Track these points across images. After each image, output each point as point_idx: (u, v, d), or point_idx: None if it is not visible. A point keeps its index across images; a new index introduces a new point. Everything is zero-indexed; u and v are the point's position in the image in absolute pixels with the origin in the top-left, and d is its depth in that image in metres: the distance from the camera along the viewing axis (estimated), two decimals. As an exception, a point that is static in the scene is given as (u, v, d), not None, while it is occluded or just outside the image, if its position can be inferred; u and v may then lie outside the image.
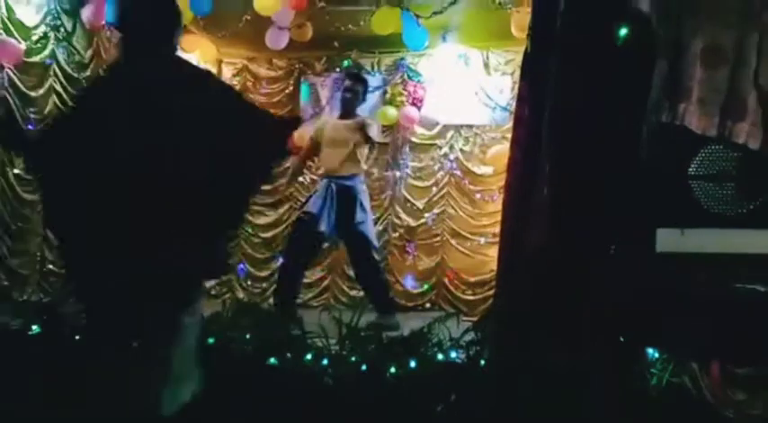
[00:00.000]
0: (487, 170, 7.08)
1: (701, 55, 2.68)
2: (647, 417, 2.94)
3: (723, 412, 3.05)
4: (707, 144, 2.64)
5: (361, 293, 7.26)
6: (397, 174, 7.41)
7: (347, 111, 5.62)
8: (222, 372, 2.96)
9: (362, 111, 7.46)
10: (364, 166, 5.78)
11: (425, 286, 7.25)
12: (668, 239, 2.49)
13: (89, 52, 6.86)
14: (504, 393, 3.14)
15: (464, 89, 7.06)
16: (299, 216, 5.52)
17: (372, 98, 7.46)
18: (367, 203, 5.47)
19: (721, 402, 3.07)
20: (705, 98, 2.68)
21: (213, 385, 3.07)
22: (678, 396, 3.12)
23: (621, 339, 2.98)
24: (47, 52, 6.66)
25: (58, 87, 6.74)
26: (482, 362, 3.42)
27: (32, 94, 6.60)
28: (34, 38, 6.59)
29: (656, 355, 3.23)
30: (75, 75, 6.79)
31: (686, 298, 2.51)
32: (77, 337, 3.95)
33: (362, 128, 5.37)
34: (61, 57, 6.73)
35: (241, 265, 7.65)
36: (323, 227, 5.21)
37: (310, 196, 5.61)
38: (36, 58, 6.62)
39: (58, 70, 6.73)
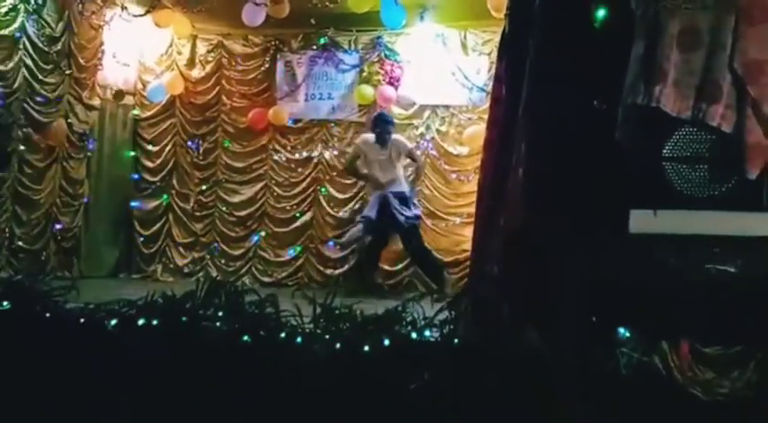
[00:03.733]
0: (463, 150, 7.08)
1: (678, 37, 2.69)
2: (617, 395, 2.98)
3: (691, 391, 3.10)
4: (681, 126, 2.66)
5: (336, 272, 7.31)
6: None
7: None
8: (196, 350, 2.94)
9: (338, 89, 7.47)
10: None
11: (399, 265, 7.26)
12: (641, 220, 2.51)
13: (60, 25, 6.73)
14: (475, 372, 3.16)
15: (441, 69, 7.03)
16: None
17: (349, 76, 7.42)
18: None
19: (690, 381, 3.12)
20: (680, 80, 2.69)
21: (187, 364, 3.06)
22: (648, 375, 3.16)
23: (593, 319, 3.01)
24: (16, 25, 6.53)
25: (29, 61, 6.62)
26: (455, 341, 3.44)
27: (1, 67, 6.47)
28: (3, 10, 6.45)
29: (627, 334, 3.27)
30: (46, 48, 6.66)
31: (657, 278, 2.53)
32: (47, 314, 3.92)
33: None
34: (31, 30, 6.60)
35: (215, 244, 7.62)
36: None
37: None
38: (5, 31, 6.48)
39: (27, 43, 6.59)
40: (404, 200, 6.57)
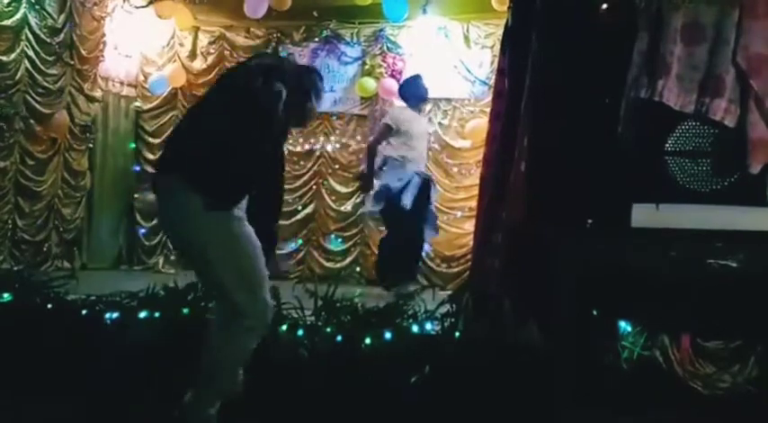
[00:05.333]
0: (465, 144, 7.07)
1: (681, 31, 2.68)
2: (618, 389, 2.99)
3: (692, 385, 3.10)
4: (684, 120, 2.65)
5: (337, 265, 7.31)
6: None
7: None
8: (198, 342, 2.94)
9: (340, 81, 7.45)
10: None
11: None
12: (643, 214, 2.51)
13: (62, 17, 6.71)
14: (476, 365, 3.17)
15: (444, 62, 7.02)
16: None
17: (351, 69, 7.41)
18: None
19: (690, 375, 3.13)
20: (683, 75, 2.68)
21: (189, 356, 3.06)
22: (649, 369, 3.16)
23: (594, 313, 3.01)
24: (18, 16, 6.51)
25: (30, 52, 6.60)
26: (456, 334, 3.44)
27: (3, 58, 6.46)
28: (6, 1, 6.43)
29: (629, 328, 3.27)
30: (48, 39, 6.65)
31: (659, 272, 2.53)
32: (49, 306, 3.92)
33: None
34: (33, 21, 6.58)
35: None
36: None
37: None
38: (7, 22, 6.46)
39: (29, 35, 6.58)
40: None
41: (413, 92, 6.09)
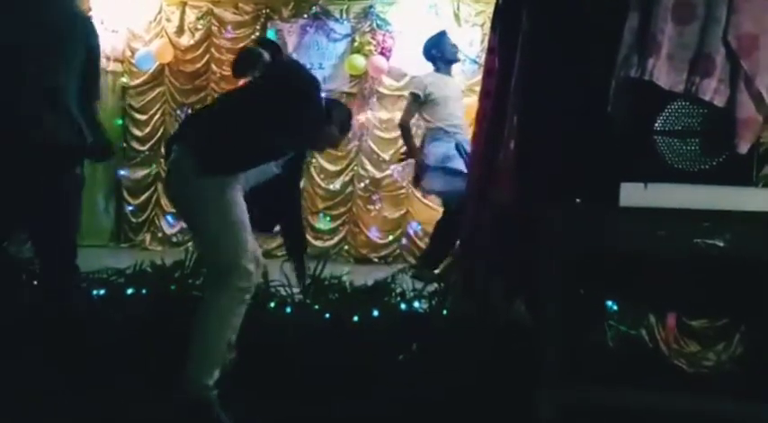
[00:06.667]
0: (455, 122, 7.04)
1: (672, 10, 2.66)
2: (604, 368, 3.01)
3: (677, 363, 3.13)
4: (673, 100, 2.65)
5: (326, 244, 7.31)
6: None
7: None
8: (184, 319, 2.94)
9: (329, 59, 7.39)
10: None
11: (390, 237, 7.27)
12: (631, 193, 2.51)
13: None
14: (464, 343, 3.19)
15: (434, 40, 6.97)
16: None
17: (340, 46, 7.36)
18: None
19: (676, 353, 3.16)
20: (674, 54, 2.67)
21: (174, 333, 3.06)
22: (634, 347, 3.19)
23: (581, 291, 3.03)
24: None
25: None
26: (444, 312, 3.46)
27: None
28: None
29: (615, 307, 3.30)
30: (33, 13, 6.54)
31: (646, 252, 2.54)
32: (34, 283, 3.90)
33: None
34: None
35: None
36: None
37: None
38: None
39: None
40: None
41: (440, 51, 5.44)
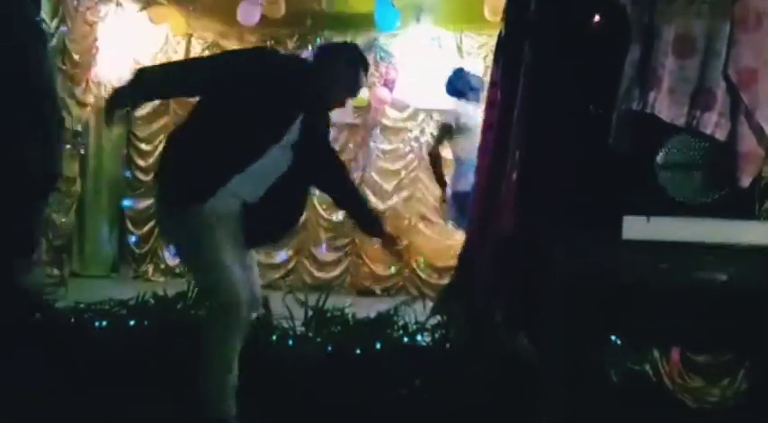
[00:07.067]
0: (457, 155, 7.06)
1: (673, 43, 2.69)
2: (608, 403, 2.98)
3: (681, 398, 3.10)
4: (675, 133, 2.65)
5: (328, 275, 7.28)
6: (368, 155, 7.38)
7: None
8: (188, 352, 2.92)
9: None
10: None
11: (392, 269, 7.24)
12: (634, 227, 2.50)
13: (54, 21, 6.68)
14: (467, 377, 3.16)
15: (436, 72, 7.02)
16: None
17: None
18: None
19: (680, 388, 3.12)
20: (675, 87, 2.69)
21: (180, 366, 3.05)
22: (638, 382, 3.16)
23: (584, 326, 3.01)
24: (10, 20, 6.47)
25: (22, 57, 6.56)
26: (447, 345, 3.43)
27: (-5, 63, 6.42)
28: (-2, 5, 6.40)
29: (618, 341, 3.27)
30: (40, 44, 6.61)
31: (649, 286, 2.53)
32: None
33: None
34: (25, 26, 6.54)
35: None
36: None
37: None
38: None
39: (21, 39, 6.54)
40: None
41: (465, 84, 5.47)
